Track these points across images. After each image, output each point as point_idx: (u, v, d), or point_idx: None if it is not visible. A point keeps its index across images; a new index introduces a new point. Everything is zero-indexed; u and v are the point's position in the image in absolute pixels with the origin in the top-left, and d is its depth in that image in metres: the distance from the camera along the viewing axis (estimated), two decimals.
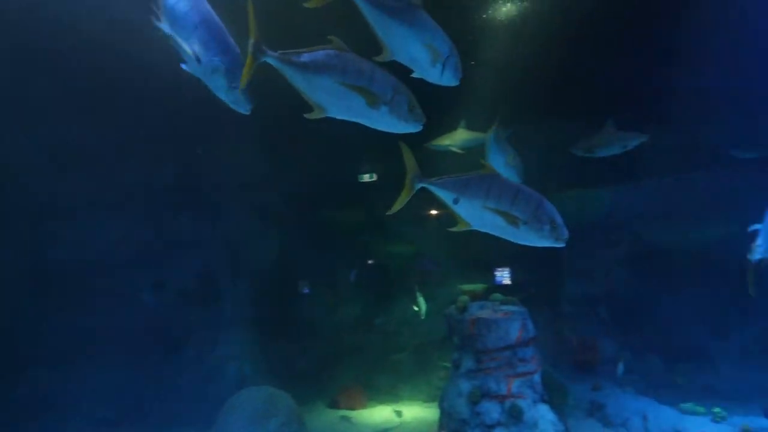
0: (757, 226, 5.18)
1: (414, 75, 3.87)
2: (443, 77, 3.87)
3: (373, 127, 3.61)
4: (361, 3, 3.47)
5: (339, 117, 3.52)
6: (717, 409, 7.48)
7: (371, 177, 9.63)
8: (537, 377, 7.55)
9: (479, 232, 4.11)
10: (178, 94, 5.34)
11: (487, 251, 10.12)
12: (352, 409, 9.25)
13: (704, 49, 7.65)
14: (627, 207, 9.19)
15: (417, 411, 9.24)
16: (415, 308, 9.00)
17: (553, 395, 7.62)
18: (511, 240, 4.09)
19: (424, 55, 3.74)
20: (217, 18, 3.50)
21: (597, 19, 7.37)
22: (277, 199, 10.07)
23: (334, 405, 9.30)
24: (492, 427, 7.26)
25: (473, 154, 8.00)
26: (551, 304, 9.92)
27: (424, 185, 3.94)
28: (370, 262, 10.73)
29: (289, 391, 7.97)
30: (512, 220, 3.96)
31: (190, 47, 3.39)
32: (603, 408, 8.28)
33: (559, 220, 3.95)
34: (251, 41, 3.16)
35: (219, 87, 3.45)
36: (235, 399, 7.67)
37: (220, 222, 9.36)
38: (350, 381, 9.53)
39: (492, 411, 7.31)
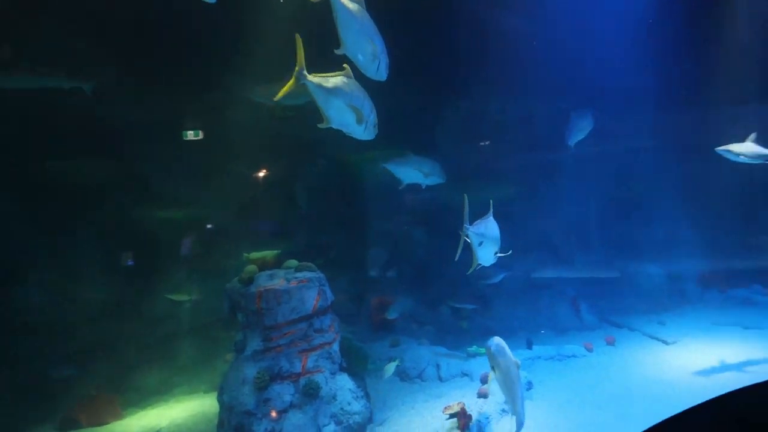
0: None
1: (360, 67, 4.55)
2: (376, 71, 4.67)
3: (347, 133, 4.63)
4: (336, 4, 4.16)
5: (334, 126, 4.45)
6: None
7: (196, 134, 8.08)
8: (335, 346, 6.79)
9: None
10: None
11: (281, 214, 8.89)
12: (101, 424, 6.92)
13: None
14: None
15: (195, 406, 7.53)
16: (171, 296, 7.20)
17: (352, 361, 7.00)
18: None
19: (369, 51, 4.51)
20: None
21: None
22: None
23: (70, 424, 6.78)
24: (284, 411, 6.20)
25: None
26: (353, 266, 9.38)
27: (469, 232, 4.76)
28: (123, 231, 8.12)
29: None
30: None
31: None
32: (401, 363, 8.16)
33: None
34: (298, 68, 4.03)
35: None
36: None
37: None
38: (97, 387, 7.11)
39: (284, 394, 6.23)
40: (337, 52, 4.29)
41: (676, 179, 11.19)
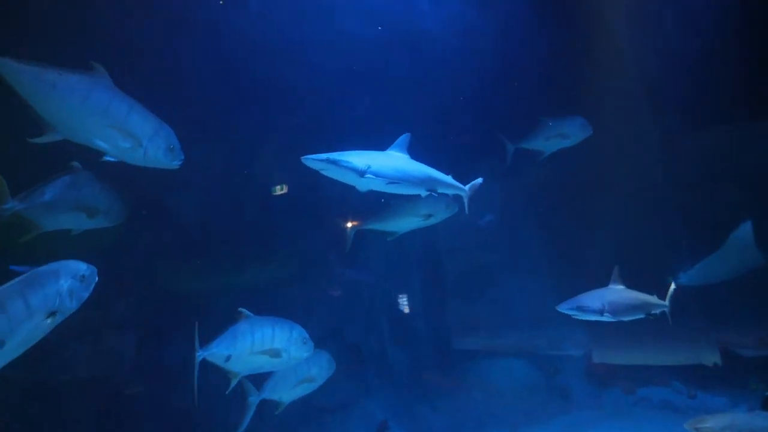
0: None
1: (108, 158, 3.70)
2: (150, 159, 3.70)
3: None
4: (9, 70, 3.22)
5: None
6: None
7: (282, 189, 6.89)
8: None
9: None
10: None
11: None
12: None
13: None
14: None
15: None
16: None
17: None
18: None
19: (111, 135, 3.53)
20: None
21: None
22: None
23: None
24: None
25: None
26: None
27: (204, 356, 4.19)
28: None
29: None
30: (276, 353, 4.42)
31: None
32: None
33: None
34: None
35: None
36: None
37: None
38: None
39: None
40: (37, 140, 3.40)
41: (535, 241, 8.78)
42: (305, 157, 3.64)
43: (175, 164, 3.96)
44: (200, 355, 4.21)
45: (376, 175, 3.71)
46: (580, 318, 4.53)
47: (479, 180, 4.76)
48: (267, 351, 4.36)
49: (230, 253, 6.09)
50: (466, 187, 4.77)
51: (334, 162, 3.61)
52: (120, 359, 5.83)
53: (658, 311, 4.91)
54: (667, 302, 5.09)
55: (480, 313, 8.00)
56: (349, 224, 6.14)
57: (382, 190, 3.92)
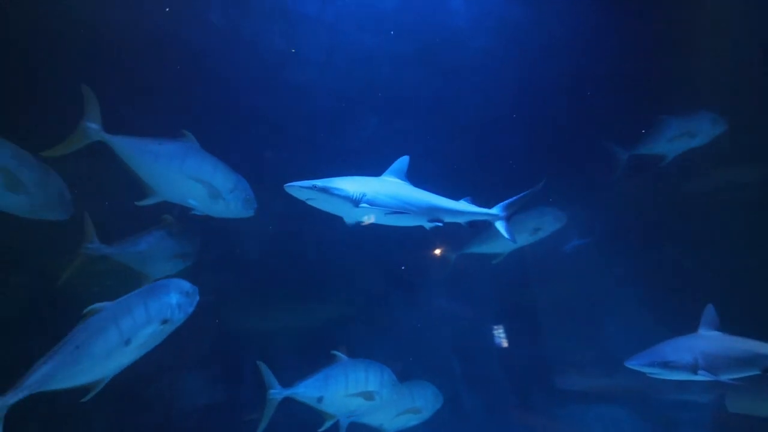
0: None
1: (196, 212, 4.11)
2: (231, 210, 4.09)
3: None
4: (119, 146, 3.50)
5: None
6: None
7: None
8: None
9: None
10: None
11: None
12: None
13: None
14: None
15: None
16: None
17: None
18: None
19: (201, 193, 3.90)
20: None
21: None
22: None
23: None
24: None
25: None
26: None
27: (287, 394, 4.41)
28: None
29: None
30: (370, 396, 4.52)
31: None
32: None
33: None
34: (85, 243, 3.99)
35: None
36: None
37: None
38: None
39: None
40: (142, 203, 3.78)
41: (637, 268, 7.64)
42: (289, 184, 3.31)
43: (250, 213, 4.27)
44: (279, 393, 4.35)
45: (372, 204, 3.30)
46: (663, 378, 3.62)
47: (529, 191, 4.00)
48: (361, 393, 4.49)
49: (294, 293, 6.23)
50: (496, 210, 3.99)
51: (324, 190, 3.24)
52: (196, 398, 6.19)
53: None
54: None
55: (572, 349, 7.05)
56: (438, 251, 5.94)
57: (378, 222, 3.49)
